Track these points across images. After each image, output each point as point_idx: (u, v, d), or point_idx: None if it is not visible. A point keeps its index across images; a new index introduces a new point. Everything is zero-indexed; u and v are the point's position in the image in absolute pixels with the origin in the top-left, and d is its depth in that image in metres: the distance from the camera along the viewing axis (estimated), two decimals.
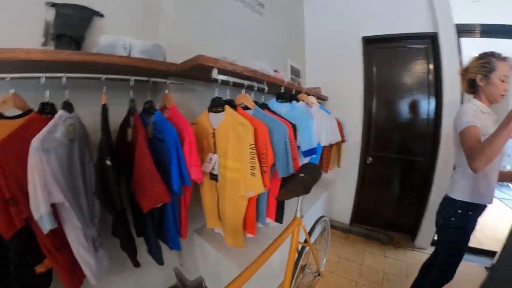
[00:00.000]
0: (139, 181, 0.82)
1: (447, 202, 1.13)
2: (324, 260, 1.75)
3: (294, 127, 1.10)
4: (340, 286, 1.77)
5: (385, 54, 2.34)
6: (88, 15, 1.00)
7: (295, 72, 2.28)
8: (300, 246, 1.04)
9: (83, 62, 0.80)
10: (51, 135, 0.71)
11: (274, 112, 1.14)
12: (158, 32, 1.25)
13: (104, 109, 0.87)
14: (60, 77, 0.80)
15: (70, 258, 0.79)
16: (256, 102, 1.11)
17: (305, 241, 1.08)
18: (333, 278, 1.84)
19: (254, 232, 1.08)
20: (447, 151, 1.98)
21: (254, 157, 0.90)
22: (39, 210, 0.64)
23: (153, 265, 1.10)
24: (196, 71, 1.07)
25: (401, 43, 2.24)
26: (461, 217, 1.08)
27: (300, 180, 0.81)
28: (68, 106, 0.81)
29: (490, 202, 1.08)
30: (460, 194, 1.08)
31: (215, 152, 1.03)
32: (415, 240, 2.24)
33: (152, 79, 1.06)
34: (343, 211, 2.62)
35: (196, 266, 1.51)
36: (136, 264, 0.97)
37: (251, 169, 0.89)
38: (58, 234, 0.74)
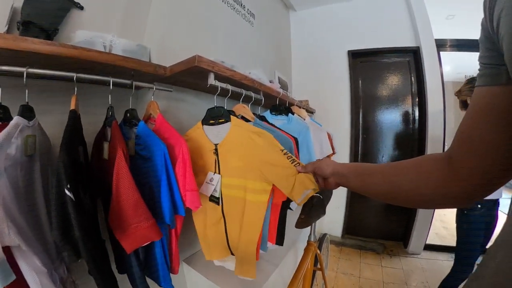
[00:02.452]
0: (118, 214, 0.63)
1: None
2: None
3: (297, 141, 1.01)
4: None
5: (370, 67, 2.43)
6: (65, 5, 0.83)
7: (283, 85, 2.24)
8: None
9: (53, 55, 0.60)
10: (1, 151, 0.51)
11: (273, 125, 1.04)
12: (145, 32, 1.11)
13: (72, 116, 0.64)
14: (20, 73, 0.59)
15: None
16: (255, 114, 1.01)
17: (315, 264, 0.98)
18: None
19: (258, 257, 0.93)
20: None
21: (290, 155, 0.74)
22: None
23: None
24: (189, 76, 0.94)
25: (385, 57, 2.36)
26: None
27: (317, 201, 0.70)
28: (27, 111, 0.60)
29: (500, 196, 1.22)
30: None
31: (218, 172, 0.88)
32: (407, 247, 2.26)
33: (136, 83, 0.86)
34: (335, 224, 2.58)
35: None
36: None
37: (294, 165, 0.72)
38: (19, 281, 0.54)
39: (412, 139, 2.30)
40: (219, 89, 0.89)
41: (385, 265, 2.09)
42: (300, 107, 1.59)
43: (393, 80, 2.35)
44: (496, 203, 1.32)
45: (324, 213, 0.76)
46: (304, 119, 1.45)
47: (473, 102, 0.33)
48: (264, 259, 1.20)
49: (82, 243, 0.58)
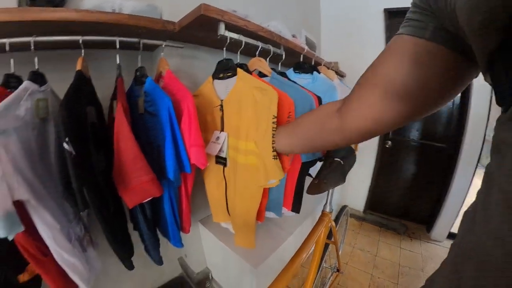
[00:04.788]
0: (119, 169, 0.63)
1: None
2: (340, 252, 1.61)
3: (320, 100, 0.89)
4: (355, 279, 1.64)
5: None
6: None
7: (311, 45, 2.02)
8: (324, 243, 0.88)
9: (56, 21, 0.60)
10: (9, 112, 0.54)
11: (294, 82, 0.92)
12: None
13: (77, 76, 0.65)
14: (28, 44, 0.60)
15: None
16: (273, 69, 0.90)
17: (329, 237, 0.92)
18: (348, 270, 1.72)
19: (262, 218, 0.90)
20: (474, 138, 1.77)
21: (275, 133, 0.68)
22: None
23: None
24: (199, 30, 0.84)
25: None
26: None
27: (337, 166, 0.61)
28: (37, 77, 0.62)
29: None
30: None
31: (222, 130, 0.81)
32: (430, 232, 2.11)
33: (144, 41, 0.83)
34: (358, 197, 2.48)
35: (202, 257, 1.38)
36: (130, 266, 0.80)
37: (273, 150, 0.67)
38: (37, 233, 0.58)
39: (451, 114, 1.99)
40: (228, 39, 0.78)
41: (404, 247, 1.99)
42: (328, 68, 1.41)
43: None
44: None
45: (343, 180, 0.67)
46: (333, 80, 1.29)
47: (392, 46, 0.36)
48: (279, 225, 1.18)
49: (80, 196, 0.58)
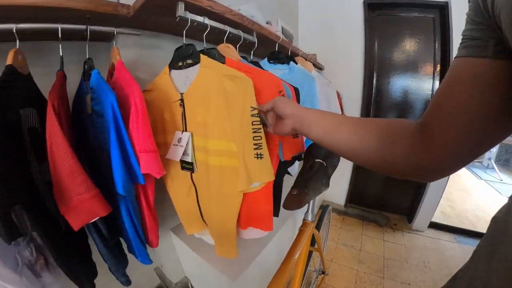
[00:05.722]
0: (56, 185, 0.50)
1: None
2: (324, 252, 1.57)
3: (297, 91, 0.80)
4: (341, 276, 1.61)
5: (388, 22, 2.05)
6: None
7: (288, 37, 1.93)
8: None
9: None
10: None
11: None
12: None
13: (6, 72, 0.52)
14: None
15: None
16: (244, 58, 0.79)
17: (313, 243, 0.84)
18: (333, 267, 1.69)
19: (271, 226, 0.73)
20: None
21: (259, 128, 0.56)
22: None
23: (132, 265, 0.83)
24: (156, 12, 0.72)
25: (406, 11, 1.97)
26: None
27: (318, 170, 0.52)
28: None
29: None
30: None
31: (185, 129, 0.69)
32: (412, 222, 2.15)
33: (92, 28, 0.70)
34: (339, 191, 2.47)
35: (179, 267, 1.28)
36: None
37: (256, 148, 0.56)
38: None
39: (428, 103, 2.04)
40: (189, 22, 0.66)
41: (387, 240, 2.01)
42: (306, 59, 1.33)
43: (414, 39, 1.99)
44: None
45: (327, 185, 0.59)
46: (310, 72, 1.21)
47: (453, 72, 0.32)
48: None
49: (2, 222, 0.45)
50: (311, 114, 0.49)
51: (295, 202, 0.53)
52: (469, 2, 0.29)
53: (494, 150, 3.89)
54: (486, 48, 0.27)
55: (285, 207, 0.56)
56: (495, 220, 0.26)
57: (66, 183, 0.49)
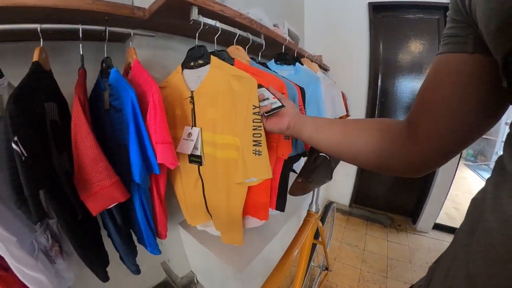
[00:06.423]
0: (78, 173, 0.55)
1: None
2: (328, 249, 1.59)
3: (302, 91, 0.83)
4: (345, 275, 1.63)
5: (393, 24, 2.07)
6: None
7: (294, 39, 1.97)
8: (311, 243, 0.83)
9: (10, 7, 0.52)
10: None
11: (275, 73, 0.86)
12: None
13: (33, 68, 0.56)
14: None
15: None
16: (252, 59, 0.83)
17: (317, 236, 0.87)
18: (336, 266, 1.70)
19: (267, 217, 0.80)
20: None
21: (259, 125, 0.61)
22: None
23: (140, 258, 0.87)
24: (170, 15, 0.77)
25: (411, 12, 1.99)
26: None
27: (322, 163, 0.56)
28: None
29: None
30: None
31: (194, 125, 0.74)
32: (416, 223, 2.14)
33: (110, 29, 0.75)
34: (343, 191, 2.47)
35: (185, 261, 1.31)
36: (104, 278, 0.72)
37: (254, 145, 0.61)
38: None
39: None
40: (202, 25, 0.71)
41: (391, 240, 2.01)
42: (312, 61, 1.37)
43: (419, 41, 2.00)
44: None
45: (330, 177, 0.62)
46: (316, 73, 1.24)
47: (435, 69, 0.33)
48: (263, 225, 1.12)
49: (33, 203, 0.49)
50: (307, 116, 0.56)
51: (299, 188, 0.57)
52: (449, 3, 0.30)
53: (500, 152, 3.83)
54: (466, 44, 0.28)
55: (291, 193, 0.60)
56: (474, 201, 0.27)
57: (89, 170, 0.54)
